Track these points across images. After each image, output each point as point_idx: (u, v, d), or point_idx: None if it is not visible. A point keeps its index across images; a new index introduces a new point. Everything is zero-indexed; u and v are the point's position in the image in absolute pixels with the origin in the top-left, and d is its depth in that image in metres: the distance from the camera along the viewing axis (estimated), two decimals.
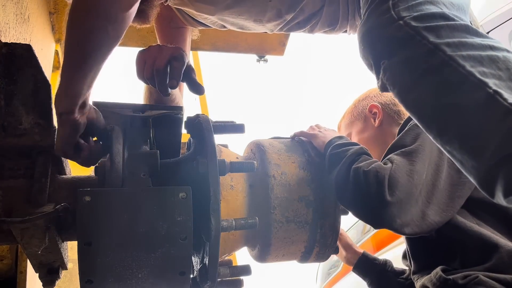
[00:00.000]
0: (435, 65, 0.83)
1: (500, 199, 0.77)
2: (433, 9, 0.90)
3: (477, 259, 1.03)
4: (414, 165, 1.04)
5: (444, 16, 0.88)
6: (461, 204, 1.10)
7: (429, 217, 1.05)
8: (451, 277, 1.02)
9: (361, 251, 1.54)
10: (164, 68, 1.06)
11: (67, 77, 0.92)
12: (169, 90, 1.07)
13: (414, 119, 0.90)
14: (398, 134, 1.23)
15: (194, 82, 1.11)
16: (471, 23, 0.93)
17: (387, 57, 0.90)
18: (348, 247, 1.55)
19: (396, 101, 1.56)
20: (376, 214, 1.02)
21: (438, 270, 1.06)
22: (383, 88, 0.95)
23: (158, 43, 1.55)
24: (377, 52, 0.93)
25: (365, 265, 1.50)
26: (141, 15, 1.30)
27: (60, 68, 0.95)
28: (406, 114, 1.53)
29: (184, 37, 1.56)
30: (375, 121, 1.48)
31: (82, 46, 0.91)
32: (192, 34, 1.65)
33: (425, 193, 1.05)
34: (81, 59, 0.91)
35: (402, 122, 1.49)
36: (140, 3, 1.29)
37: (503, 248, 1.01)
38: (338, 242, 1.34)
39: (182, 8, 1.44)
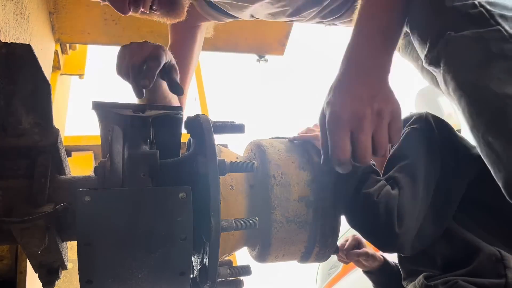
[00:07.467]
0: (508, 53, 0.81)
1: None
2: (506, 1, 0.87)
3: (459, 263, 1.03)
4: (417, 184, 1.04)
5: None
6: (454, 208, 1.09)
7: (426, 229, 1.04)
8: (432, 283, 1.02)
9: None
10: (140, 66, 1.03)
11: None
12: (144, 91, 1.03)
13: (462, 100, 0.85)
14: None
15: (173, 81, 1.09)
16: None
17: (455, 29, 0.86)
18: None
19: None
20: (387, 244, 1.04)
21: (421, 278, 1.07)
22: (435, 61, 0.90)
23: (169, 40, 1.55)
24: (445, 21, 0.88)
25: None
26: (175, 7, 1.24)
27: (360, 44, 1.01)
28: None
29: (194, 37, 1.54)
30: None
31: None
32: (206, 32, 1.63)
33: (424, 206, 1.04)
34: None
35: None
36: None
37: (483, 252, 1.01)
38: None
39: (220, 0, 1.40)
